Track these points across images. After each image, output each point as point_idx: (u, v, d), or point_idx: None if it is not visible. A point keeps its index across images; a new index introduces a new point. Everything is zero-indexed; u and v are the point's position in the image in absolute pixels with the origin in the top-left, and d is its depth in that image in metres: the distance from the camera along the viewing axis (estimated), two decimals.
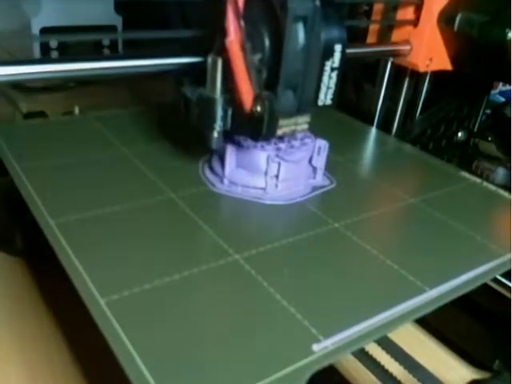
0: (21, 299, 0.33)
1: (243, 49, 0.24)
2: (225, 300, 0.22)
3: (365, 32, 0.41)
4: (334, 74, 0.26)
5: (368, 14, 0.41)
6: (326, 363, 0.19)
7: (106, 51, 0.66)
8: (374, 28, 0.40)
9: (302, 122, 0.27)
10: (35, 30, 0.61)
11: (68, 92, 0.60)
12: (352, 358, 0.29)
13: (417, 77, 0.43)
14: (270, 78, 0.25)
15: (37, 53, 0.61)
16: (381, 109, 0.43)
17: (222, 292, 0.23)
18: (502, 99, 0.62)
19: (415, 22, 0.37)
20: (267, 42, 0.25)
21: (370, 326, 0.21)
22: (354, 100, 0.48)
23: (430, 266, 0.26)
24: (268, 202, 0.30)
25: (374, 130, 0.43)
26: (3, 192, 0.35)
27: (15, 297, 0.33)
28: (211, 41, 0.25)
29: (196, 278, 0.23)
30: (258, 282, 0.23)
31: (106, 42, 0.66)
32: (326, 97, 0.27)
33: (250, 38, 0.24)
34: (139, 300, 0.21)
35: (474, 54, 0.36)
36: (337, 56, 0.26)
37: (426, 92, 0.45)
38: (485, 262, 0.26)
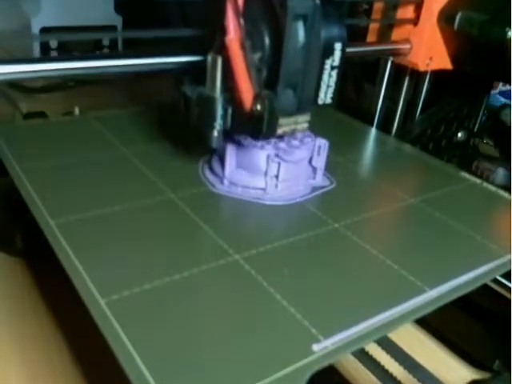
0: (21, 299, 0.33)
1: (243, 47, 0.24)
2: (225, 300, 0.22)
3: (365, 31, 0.41)
4: (334, 73, 0.26)
5: (368, 12, 0.41)
6: (326, 363, 0.19)
7: (106, 51, 0.66)
8: (373, 27, 0.40)
9: (302, 121, 0.27)
10: (35, 30, 0.61)
11: (68, 92, 0.60)
12: (352, 358, 0.29)
13: (417, 76, 0.43)
14: (269, 77, 0.25)
15: (37, 53, 0.62)
16: (381, 109, 0.43)
17: (222, 292, 0.23)
18: (502, 99, 0.62)
19: (415, 21, 0.37)
20: (267, 41, 0.25)
21: (369, 326, 0.21)
22: (353, 100, 0.48)
23: (430, 266, 0.26)
24: (268, 203, 0.30)
25: (373, 131, 0.43)
26: (3, 192, 0.35)
27: (15, 297, 0.33)
28: (211, 39, 0.25)
29: (196, 278, 0.23)
30: (258, 282, 0.23)
31: (105, 42, 0.66)
32: (326, 95, 0.27)
33: (250, 37, 0.24)
34: (139, 300, 0.21)
35: (474, 52, 0.36)
36: (337, 54, 0.26)
37: (426, 92, 0.45)
38: (485, 263, 0.26)
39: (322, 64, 0.25)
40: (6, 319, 0.32)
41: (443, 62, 0.38)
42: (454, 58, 0.38)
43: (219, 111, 0.26)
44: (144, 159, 0.33)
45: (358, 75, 0.47)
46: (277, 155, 0.29)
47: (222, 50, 0.24)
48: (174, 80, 0.28)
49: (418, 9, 0.37)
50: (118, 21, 0.66)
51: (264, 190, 0.30)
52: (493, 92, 0.56)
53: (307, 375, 0.18)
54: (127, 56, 0.27)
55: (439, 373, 0.28)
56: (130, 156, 0.33)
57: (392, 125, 0.44)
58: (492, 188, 0.34)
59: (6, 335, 0.31)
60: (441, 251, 0.27)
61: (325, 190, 0.32)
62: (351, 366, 0.30)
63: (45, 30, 0.61)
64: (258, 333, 0.20)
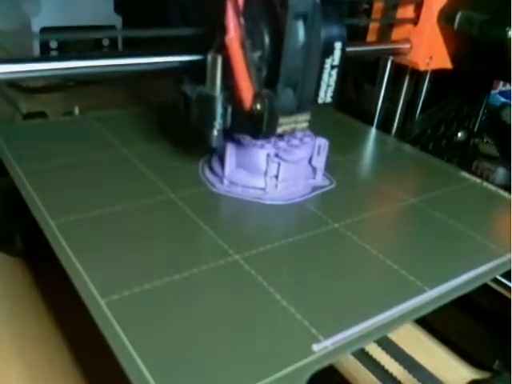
0: (21, 299, 0.33)
1: (243, 46, 0.24)
2: (225, 300, 0.22)
3: (365, 31, 0.41)
4: (334, 72, 0.26)
5: (368, 12, 0.41)
6: (326, 363, 0.19)
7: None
8: (373, 26, 0.40)
9: (302, 120, 0.27)
10: (35, 30, 0.61)
11: (68, 92, 0.60)
12: (352, 358, 0.29)
13: (417, 76, 0.43)
14: (269, 76, 0.25)
15: (37, 53, 0.61)
16: (381, 109, 0.43)
17: (222, 292, 0.23)
18: (502, 99, 0.62)
19: (415, 21, 0.37)
20: (267, 40, 0.25)
21: (369, 326, 0.21)
22: (353, 100, 0.48)
23: (430, 266, 0.26)
24: (268, 202, 0.30)
25: (373, 130, 0.43)
26: (3, 192, 0.35)
27: (15, 297, 0.33)
28: (211, 39, 0.25)
29: (196, 278, 0.23)
30: (258, 282, 0.23)
31: (105, 42, 0.66)
32: (325, 95, 0.27)
33: (250, 36, 0.24)
34: (139, 300, 0.21)
35: (474, 52, 0.36)
36: (337, 54, 0.26)
37: (426, 92, 0.45)
38: (485, 262, 0.26)
39: (322, 63, 0.25)
40: (6, 319, 0.32)
41: (443, 61, 0.38)
42: (453, 58, 0.38)
43: (219, 110, 0.26)
44: (144, 159, 0.33)
45: (358, 75, 0.47)
46: (277, 155, 0.29)
47: (222, 49, 0.24)
48: (173, 80, 0.28)
49: (418, 8, 0.37)
50: (117, 21, 0.66)
51: (264, 189, 0.30)
52: (493, 92, 0.56)
53: (307, 375, 0.18)
54: (127, 55, 0.27)
55: (439, 373, 0.28)
56: (130, 156, 0.33)
57: (392, 125, 0.44)
58: (492, 188, 0.34)
59: (6, 335, 0.31)
60: (441, 251, 0.27)
61: (325, 189, 0.32)
62: (351, 366, 0.30)
63: (45, 30, 0.61)
64: (258, 333, 0.20)
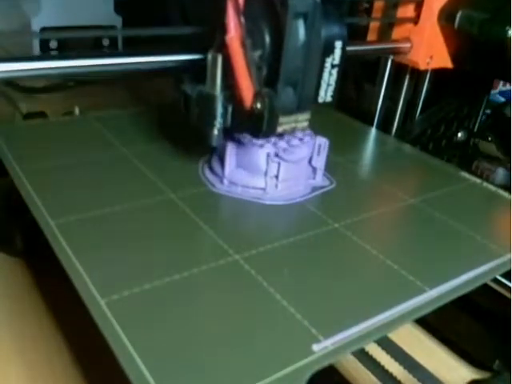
0: (21, 299, 0.33)
1: (243, 45, 0.24)
2: (225, 300, 0.22)
3: (365, 30, 0.41)
4: (335, 71, 0.26)
5: (368, 11, 0.41)
6: (326, 363, 0.19)
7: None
8: (374, 26, 0.40)
9: (303, 119, 0.27)
10: (35, 30, 0.61)
11: (68, 92, 0.60)
12: (352, 358, 0.29)
13: (417, 76, 0.43)
14: (270, 75, 0.25)
15: (36, 53, 0.62)
16: (381, 108, 0.43)
17: (222, 292, 0.23)
18: (502, 99, 0.62)
19: (415, 20, 0.37)
20: (267, 39, 0.25)
21: (369, 326, 0.21)
22: (353, 100, 0.48)
23: (430, 266, 0.26)
24: (268, 203, 0.30)
25: (373, 131, 0.43)
26: (3, 192, 0.35)
27: (15, 297, 0.33)
28: (211, 38, 0.25)
29: (196, 278, 0.23)
30: (258, 281, 0.23)
31: (105, 42, 0.66)
32: (326, 94, 0.27)
33: (250, 35, 0.24)
34: (139, 300, 0.21)
35: (475, 51, 0.36)
36: (337, 53, 0.26)
37: (426, 92, 0.45)
38: (485, 262, 0.26)
39: (323, 62, 0.25)
40: (6, 319, 0.32)
41: (443, 60, 0.38)
42: (454, 57, 0.38)
43: (219, 109, 0.26)
44: (144, 159, 0.33)
45: (359, 75, 0.47)
46: (277, 155, 0.29)
47: (223, 48, 0.24)
48: (174, 80, 0.28)
49: (419, 7, 0.37)
50: (117, 21, 0.66)
51: (264, 189, 0.30)
52: (493, 92, 0.56)
53: (307, 375, 0.18)
54: (127, 54, 0.27)
55: (439, 373, 0.28)
56: (130, 156, 0.33)
57: (392, 125, 0.44)
58: (492, 188, 0.34)
59: (6, 335, 0.31)
60: (441, 251, 0.27)
61: (325, 189, 0.32)
62: (351, 365, 0.30)
63: (45, 30, 0.61)
64: (258, 333, 0.20)
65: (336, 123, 0.43)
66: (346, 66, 0.26)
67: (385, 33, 0.39)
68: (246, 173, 0.30)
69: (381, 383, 0.28)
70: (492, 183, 0.35)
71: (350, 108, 0.45)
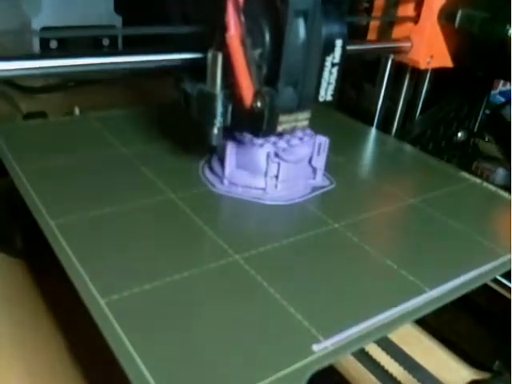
0: (21, 300, 0.33)
1: (243, 44, 0.24)
2: (225, 300, 0.22)
3: (365, 29, 0.41)
4: (335, 70, 0.26)
5: (368, 11, 0.41)
6: (325, 363, 0.19)
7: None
8: (374, 25, 0.40)
9: (303, 118, 0.27)
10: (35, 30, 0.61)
11: (68, 92, 0.60)
12: (352, 358, 0.29)
13: (417, 76, 0.43)
14: (270, 74, 0.25)
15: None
16: (381, 109, 0.43)
17: (222, 292, 0.23)
18: (502, 99, 0.62)
19: (416, 19, 0.37)
20: (267, 37, 0.25)
21: (369, 327, 0.21)
22: (353, 100, 0.48)
23: (430, 266, 0.26)
24: (268, 203, 0.30)
25: (373, 131, 0.43)
26: (3, 192, 0.35)
27: (15, 297, 0.33)
28: (211, 37, 0.25)
29: (196, 279, 0.23)
30: (258, 282, 0.23)
31: (105, 42, 0.66)
32: (326, 93, 0.27)
33: (251, 33, 0.24)
34: (139, 300, 0.21)
35: (475, 50, 0.36)
36: (337, 51, 0.26)
37: (426, 92, 0.45)
38: (485, 263, 0.26)
39: (323, 61, 0.25)
40: (6, 319, 0.32)
41: (444, 59, 0.38)
42: (454, 56, 0.38)
43: (219, 108, 0.26)
44: (144, 159, 0.33)
45: (358, 75, 0.47)
46: (277, 155, 0.29)
47: (223, 46, 0.24)
48: (173, 80, 0.28)
49: (419, 7, 0.37)
50: (117, 21, 0.66)
51: (264, 189, 0.30)
52: (493, 92, 0.57)
53: (307, 375, 0.18)
54: (127, 53, 0.27)
55: (439, 373, 0.28)
56: (130, 156, 0.33)
57: (392, 125, 0.44)
58: (492, 188, 0.34)
59: (5, 335, 0.31)
60: (441, 251, 0.27)
61: (325, 190, 0.32)
62: (351, 365, 0.30)
63: (45, 30, 0.61)
64: (258, 333, 0.20)
65: (336, 123, 0.43)
66: (346, 66, 0.26)
67: (385, 32, 0.39)
68: (246, 173, 0.30)
69: (381, 383, 0.28)
70: (492, 183, 0.35)
71: (350, 108, 0.45)
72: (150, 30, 0.26)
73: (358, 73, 0.47)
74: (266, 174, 0.30)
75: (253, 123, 0.25)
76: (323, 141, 0.31)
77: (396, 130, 0.44)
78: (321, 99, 0.27)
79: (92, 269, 0.22)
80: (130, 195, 0.29)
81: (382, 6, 0.40)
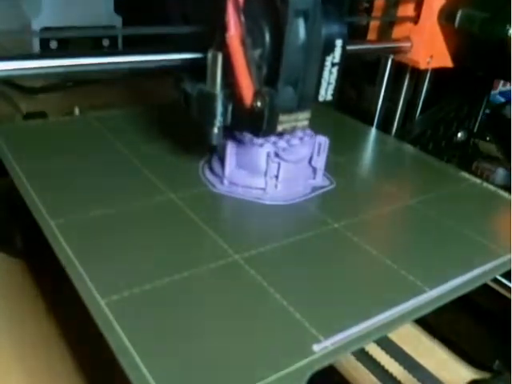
0: (20, 300, 0.33)
1: (243, 44, 0.24)
2: (225, 300, 0.22)
3: (365, 30, 0.41)
4: (335, 70, 0.26)
5: (368, 11, 0.41)
6: (326, 363, 0.19)
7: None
8: (374, 25, 0.40)
9: (303, 118, 0.27)
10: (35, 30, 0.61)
11: (68, 92, 0.60)
12: (352, 358, 0.29)
13: (417, 76, 0.43)
14: (270, 74, 0.25)
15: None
16: (381, 109, 0.43)
17: (222, 292, 0.23)
18: (502, 99, 0.62)
19: (416, 19, 0.37)
20: (267, 37, 0.25)
21: (369, 326, 0.21)
22: (353, 100, 0.48)
23: (430, 265, 0.26)
24: (268, 203, 0.30)
25: (373, 131, 0.43)
26: (3, 192, 0.35)
27: (15, 297, 0.33)
28: (211, 37, 0.25)
29: (196, 279, 0.23)
30: (258, 281, 0.23)
31: (105, 42, 0.66)
32: (326, 92, 0.27)
33: (251, 33, 0.24)
34: (139, 300, 0.21)
35: (475, 50, 0.36)
36: (337, 51, 0.26)
37: (426, 92, 0.45)
38: (485, 262, 0.26)
39: (323, 61, 0.25)
40: (6, 319, 0.32)
41: (444, 59, 0.38)
42: (454, 56, 0.38)
43: (219, 108, 0.26)
44: (144, 159, 0.33)
45: (358, 75, 0.47)
46: (277, 155, 0.29)
47: (223, 46, 0.24)
48: (173, 80, 0.28)
49: (419, 7, 0.37)
50: (117, 21, 0.66)
51: (264, 189, 0.30)
52: (493, 92, 0.57)
53: (307, 375, 0.18)
54: (127, 53, 0.27)
55: (439, 373, 0.28)
56: (130, 156, 0.33)
57: (392, 125, 0.44)
58: (492, 188, 0.34)
59: (5, 335, 0.31)
60: (441, 251, 0.27)
61: (325, 190, 0.32)
62: (351, 365, 0.30)
63: (45, 31, 0.61)
64: (257, 333, 0.20)
65: (336, 124, 0.43)
66: (346, 66, 0.26)
67: (385, 32, 0.39)
68: (246, 173, 0.30)
69: (381, 383, 0.28)
70: (492, 183, 0.35)
71: (350, 108, 0.45)
72: (150, 30, 0.26)
73: (358, 73, 0.47)
74: (266, 174, 0.30)
75: (253, 123, 0.25)
76: (323, 141, 0.31)
77: (396, 130, 0.44)
78: (321, 99, 0.27)
79: (92, 269, 0.22)
80: (130, 195, 0.29)
81: (381, 6, 0.40)
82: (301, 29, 0.24)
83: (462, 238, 0.28)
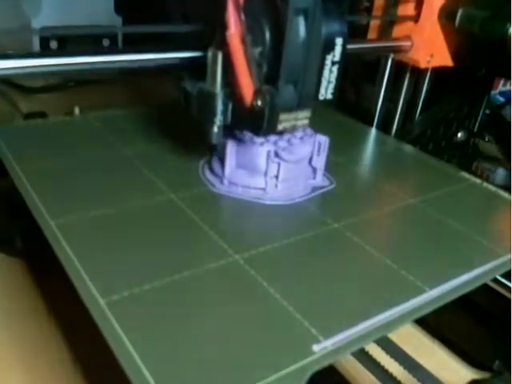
0: (20, 299, 0.33)
1: (244, 42, 0.24)
2: (225, 300, 0.22)
3: (365, 29, 0.41)
4: (335, 68, 0.26)
5: (369, 10, 0.41)
6: (325, 363, 0.19)
7: None
8: (374, 24, 0.40)
9: (303, 117, 0.27)
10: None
11: (68, 92, 0.60)
12: (352, 358, 0.29)
13: (417, 76, 0.43)
14: (270, 72, 0.25)
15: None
16: (380, 109, 0.43)
17: (222, 292, 0.23)
18: (502, 99, 0.62)
19: (416, 18, 0.37)
20: (268, 36, 0.25)
21: (369, 326, 0.21)
22: (353, 100, 0.48)
23: (430, 265, 0.26)
24: (268, 203, 0.30)
25: (373, 131, 0.43)
26: (3, 192, 0.35)
27: (15, 297, 0.33)
28: (211, 35, 0.25)
29: (196, 279, 0.23)
30: (258, 281, 0.23)
31: (105, 42, 0.66)
32: (326, 91, 0.27)
33: (251, 32, 0.24)
34: (139, 300, 0.21)
35: (475, 49, 0.36)
36: (338, 50, 0.26)
37: (426, 92, 0.45)
38: (485, 262, 0.26)
39: (323, 59, 0.25)
40: (6, 319, 0.32)
41: (444, 58, 0.38)
42: (454, 55, 0.38)
43: (219, 107, 0.26)
44: (144, 159, 0.33)
45: (358, 75, 0.47)
46: (277, 155, 0.29)
47: (223, 45, 0.24)
48: (174, 79, 0.28)
49: (419, 6, 0.37)
50: (117, 21, 0.66)
51: (264, 189, 0.30)
52: (493, 92, 0.57)
53: (307, 375, 0.18)
54: (127, 52, 0.27)
55: (439, 373, 0.28)
56: (130, 156, 0.33)
57: (392, 125, 0.44)
58: (492, 188, 0.34)
59: (5, 335, 0.31)
60: (441, 251, 0.27)
61: (325, 190, 0.32)
62: (351, 365, 0.30)
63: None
64: (258, 333, 0.20)
65: (336, 124, 0.43)
66: (346, 66, 0.26)
67: (385, 31, 0.39)
68: (246, 173, 0.30)
69: (381, 383, 0.28)
70: (492, 183, 0.35)
71: (350, 108, 0.45)
72: (150, 28, 0.26)
73: (358, 73, 0.47)
74: (266, 174, 0.30)
75: (253, 122, 0.25)
76: (323, 140, 0.31)
77: (396, 130, 0.44)
78: (321, 97, 0.27)
79: (92, 269, 0.22)
80: (130, 195, 0.29)
81: (382, 5, 0.40)
82: (301, 27, 0.24)
83: (461, 238, 0.28)
